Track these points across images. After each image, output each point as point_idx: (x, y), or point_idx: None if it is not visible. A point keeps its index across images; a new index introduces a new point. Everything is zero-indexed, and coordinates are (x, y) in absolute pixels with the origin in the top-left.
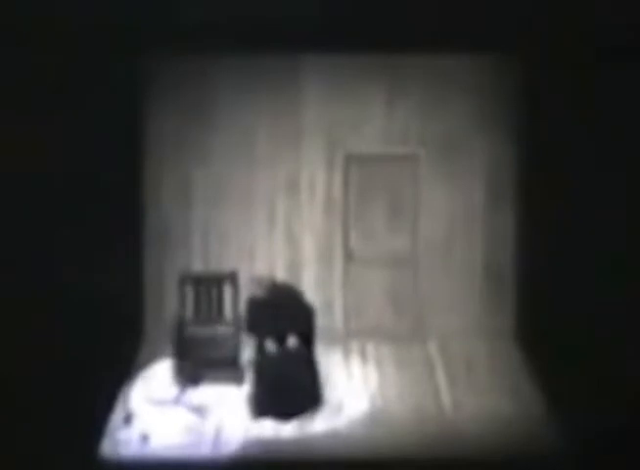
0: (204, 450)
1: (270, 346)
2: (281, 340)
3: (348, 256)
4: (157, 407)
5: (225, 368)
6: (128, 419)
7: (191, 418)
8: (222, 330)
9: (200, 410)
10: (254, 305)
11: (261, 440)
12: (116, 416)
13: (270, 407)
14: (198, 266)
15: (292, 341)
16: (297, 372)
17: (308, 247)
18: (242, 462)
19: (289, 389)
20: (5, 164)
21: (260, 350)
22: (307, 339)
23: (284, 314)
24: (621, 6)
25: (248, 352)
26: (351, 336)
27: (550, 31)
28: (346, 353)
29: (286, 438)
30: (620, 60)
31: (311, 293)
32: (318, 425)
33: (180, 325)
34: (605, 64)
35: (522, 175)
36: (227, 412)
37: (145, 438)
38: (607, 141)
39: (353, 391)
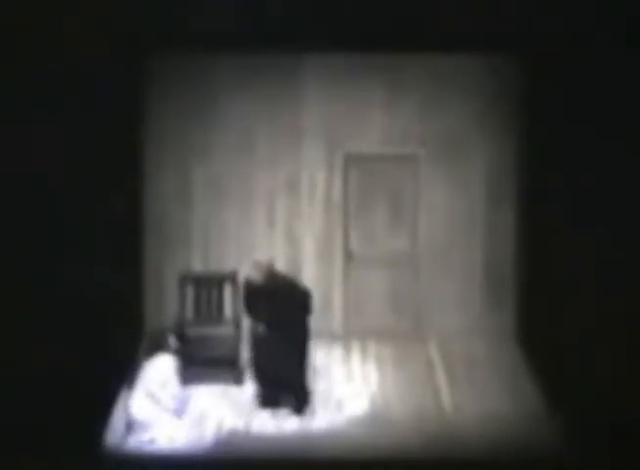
0: (204, 449)
1: (263, 330)
2: (276, 325)
3: (348, 256)
4: (157, 407)
5: (225, 368)
6: (128, 419)
7: (190, 418)
8: (222, 330)
9: (200, 410)
10: (251, 288)
11: (262, 438)
12: (117, 416)
13: (262, 397)
14: (198, 266)
15: (285, 325)
16: (284, 362)
17: (308, 247)
18: (242, 461)
19: (274, 377)
20: (5, 163)
21: (254, 333)
22: (303, 324)
23: (280, 299)
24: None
25: (247, 352)
26: (351, 335)
27: (550, 31)
28: (347, 353)
29: (286, 436)
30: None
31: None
32: (318, 424)
33: (180, 325)
34: (605, 63)
35: (522, 175)
36: (227, 412)
37: (145, 437)
38: (607, 141)
39: (353, 390)
